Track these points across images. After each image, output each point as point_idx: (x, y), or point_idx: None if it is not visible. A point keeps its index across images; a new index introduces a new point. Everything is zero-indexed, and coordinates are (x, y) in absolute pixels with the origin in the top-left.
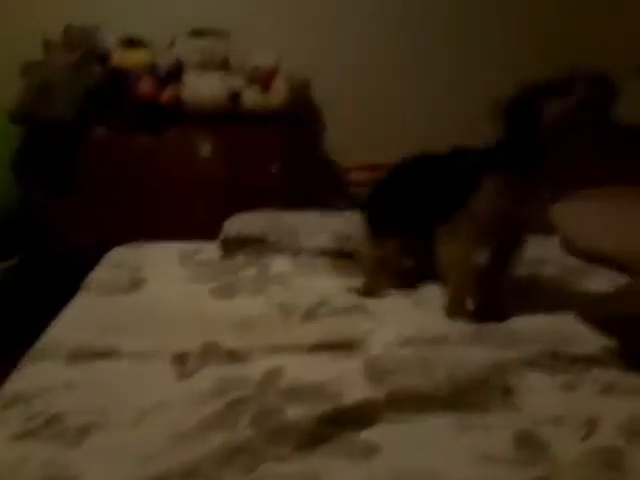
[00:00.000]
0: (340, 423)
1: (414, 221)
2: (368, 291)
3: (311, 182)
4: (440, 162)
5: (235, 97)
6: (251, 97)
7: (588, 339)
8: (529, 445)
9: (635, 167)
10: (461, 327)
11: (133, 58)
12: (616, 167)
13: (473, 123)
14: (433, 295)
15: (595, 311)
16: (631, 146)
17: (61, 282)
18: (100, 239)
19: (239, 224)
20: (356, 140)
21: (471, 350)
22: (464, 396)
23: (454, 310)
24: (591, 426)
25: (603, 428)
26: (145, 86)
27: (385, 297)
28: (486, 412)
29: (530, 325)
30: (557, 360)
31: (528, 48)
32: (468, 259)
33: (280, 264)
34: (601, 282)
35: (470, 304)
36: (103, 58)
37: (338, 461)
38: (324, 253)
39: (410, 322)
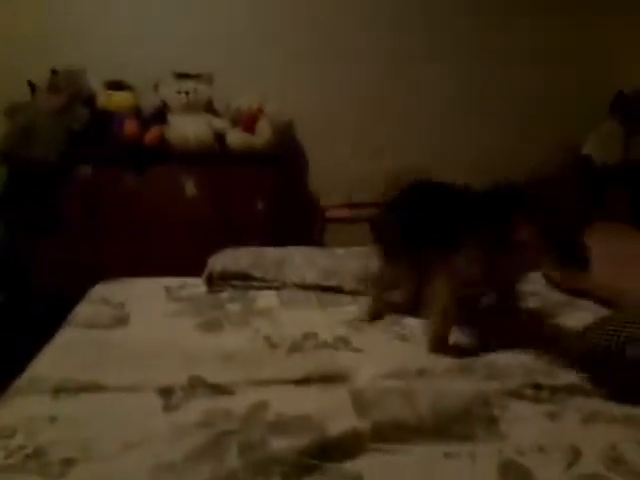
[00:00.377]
0: (325, 454)
1: (420, 249)
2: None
3: (294, 219)
4: (454, 197)
5: (220, 138)
6: (235, 138)
7: (569, 371)
8: (514, 473)
9: (610, 204)
10: (445, 360)
11: (118, 100)
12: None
13: (455, 170)
14: (416, 328)
15: (570, 346)
16: (605, 183)
17: (46, 319)
18: (85, 277)
19: (224, 259)
20: (336, 179)
21: (455, 382)
22: (448, 426)
23: (437, 346)
24: (574, 454)
25: (586, 456)
26: (130, 127)
27: (371, 330)
28: (470, 441)
29: (512, 358)
30: (539, 390)
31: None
32: (450, 302)
33: (265, 299)
34: (584, 315)
35: (451, 340)
36: (89, 100)
37: None
38: (309, 287)
39: (394, 355)
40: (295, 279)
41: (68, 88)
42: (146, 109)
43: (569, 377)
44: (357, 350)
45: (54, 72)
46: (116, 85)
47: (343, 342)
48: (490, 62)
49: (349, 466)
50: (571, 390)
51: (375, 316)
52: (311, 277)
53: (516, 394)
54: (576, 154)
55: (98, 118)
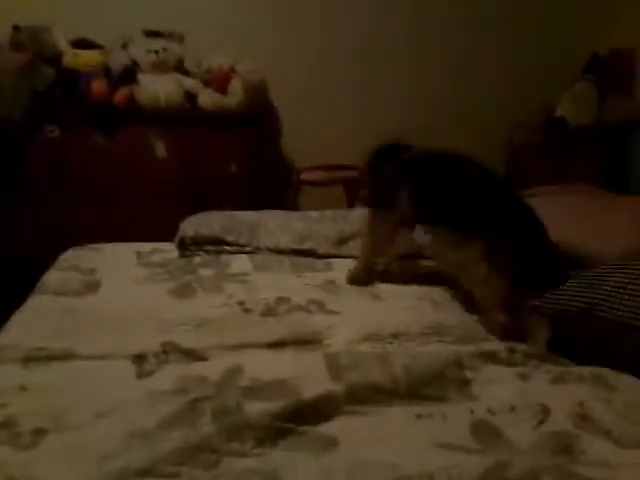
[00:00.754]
0: (300, 418)
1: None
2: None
3: (268, 182)
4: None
5: (191, 98)
6: (207, 98)
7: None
8: (485, 432)
9: (584, 164)
10: (419, 323)
11: (85, 59)
12: (566, 164)
13: (426, 126)
14: (391, 291)
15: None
16: (579, 144)
17: (14, 285)
18: (53, 241)
19: (197, 224)
20: (310, 141)
21: (429, 345)
22: (422, 389)
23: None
24: (544, 413)
25: (555, 414)
26: (98, 87)
27: (346, 292)
28: (443, 403)
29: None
30: (513, 354)
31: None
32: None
33: (239, 263)
34: None
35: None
36: (54, 59)
37: (298, 455)
38: (283, 252)
39: (369, 317)
40: (269, 243)
41: (32, 45)
42: (115, 68)
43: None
44: (331, 312)
45: (16, 28)
46: (83, 43)
47: (317, 305)
48: (466, 29)
49: (324, 429)
50: (544, 354)
51: (358, 282)
52: (285, 241)
53: (489, 357)
54: (550, 116)
55: (64, 77)
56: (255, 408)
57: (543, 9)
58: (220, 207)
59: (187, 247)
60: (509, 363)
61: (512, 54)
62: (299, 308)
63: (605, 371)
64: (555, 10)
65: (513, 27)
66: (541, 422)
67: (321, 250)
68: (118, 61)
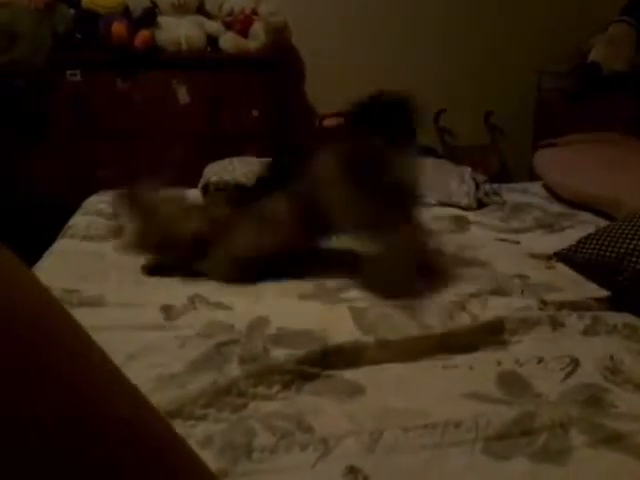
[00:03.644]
0: (326, 363)
1: None
2: None
3: (290, 128)
4: None
5: (212, 41)
6: (229, 41)
7: (573, 288)
8: (512, 384)
9: (618, 112)
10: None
11: (105, 0)
12: (598, 112)
13: (452, 81)
14: None
15: None
16: (613, 91)
17: (39, 228)
18: (75, 185)
19: (220, 170)
20: (333, 87)
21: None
22: (452, 339)
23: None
24: (573, 365)
25: (584, 366)
26: (118, 29)
27: None
28: (470, 354)
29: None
30: (545, 305)
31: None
32: None
33: None
34: (584, 227)
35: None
36: (73, 0)
37: (324, 400)
38: None
39: None
40: None
41: None
42: (135, 10)
43: (573, 294)
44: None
45: None
46: None
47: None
48: None
49: (350, 375)
50: (574, 305)
51: None
52: None
53: (521, 309)
54: (582, 61)
55: (84, 19)
56: (281, 354)
57: None
58: (241, 152)
59: (211, 193)
60: (540, 315)
61: None
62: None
63: (637, 321)
64: None
65: None
66: (570, 374)
67: None
68: (138, 2)
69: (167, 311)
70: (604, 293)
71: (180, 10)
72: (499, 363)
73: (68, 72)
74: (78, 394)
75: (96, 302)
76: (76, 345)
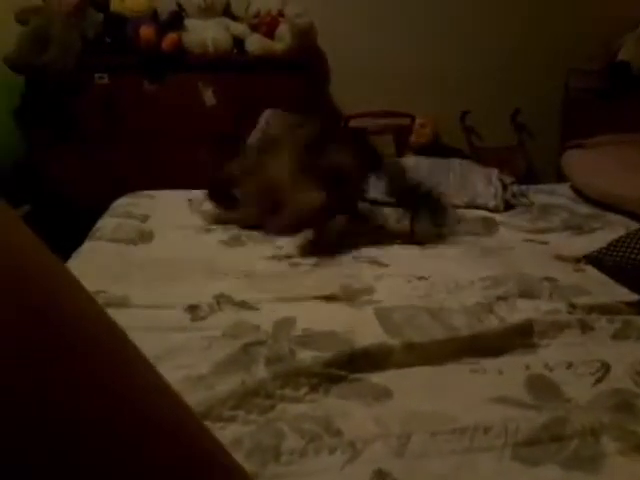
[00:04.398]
0: (353, 366)
1: None
2: None
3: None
4: None
5: (239, 43)
6: (255, 43)
7: (603, 291)
8: (542, 389)
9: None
10: (473, 274)
11: (132, 4)
12: (628, 112)
13: (479, 81)
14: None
15: None
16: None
17: (68, 229)
18: (104, 187)
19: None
20: (359, 87)
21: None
22: (480, 342)
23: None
24: (603, 370)
25: (614, 372)
26: (146, 33)
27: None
28: (498, 357)
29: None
30: (574, 309)
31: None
32: None
33: None
34: (613, 228)
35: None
36: (102, 4)
37: (351, 403)
38: None
39: (421, 266)
40: None
41: None
42: (162, 13)
43: (602, 297)
44: (380, 264)
45: None
46: None
47: (366, 256)
48: None
49: (377, 378)
50: (604, 308)
51: None
52: None
53: (549, 312)
54: (611, 60)
55: (112, 23)
56: (308, 355)
57: None
58: None
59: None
60: (569, 319)
61: None
62: (348, 259)
63: None
64: None
65: None
66: (600, 379)
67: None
68: (165, 6)
69: (192, 311)
70: (635, 297)
71: (207, 13)
72: (528, 367)
73: (96, 75)
74: (118, 394)
75: (121, 303)
76: (112, 342)
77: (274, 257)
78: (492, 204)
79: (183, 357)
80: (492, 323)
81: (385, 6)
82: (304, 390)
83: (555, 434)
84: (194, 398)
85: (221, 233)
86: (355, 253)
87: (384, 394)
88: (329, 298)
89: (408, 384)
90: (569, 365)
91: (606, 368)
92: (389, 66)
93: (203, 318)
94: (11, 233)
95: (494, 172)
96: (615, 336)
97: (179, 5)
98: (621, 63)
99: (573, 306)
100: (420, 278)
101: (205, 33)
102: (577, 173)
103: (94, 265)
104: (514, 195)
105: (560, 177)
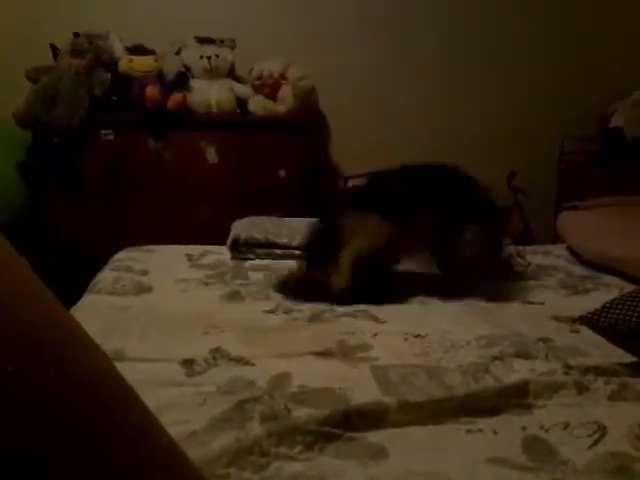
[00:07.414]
0: (348, 424)
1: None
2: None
3: (316, 188)
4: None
5: (242, 104)
6: (258, 104)
7: (599, 352)
8: (538, 450)
9: (637, 177)
10: (470, 333)
11: (140, 65)
12: (621, 177)
13: (476, 143)
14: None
15: None
16: (636, 156)
17: (68, 283)
18: (106, 242)
19: (248, 226)
20: (358, 148)
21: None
22: (475, 402)
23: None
24: (600, 432)
25: (612, 434)
26: (152, 92)
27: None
28: (494, 417)
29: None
30: (570, 369)
31: (524, 68)
32: None
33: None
34: (608, 290)
35: None
36: (110, 65)
37: (346, 462)
38: None
39: (417, 323)
40: None
41: (90, 52)
42: (168, 74)
43: (598, 358)
44: (377, 320)
45: (76, 35)
46: (138, 49)
47: (363, 311)
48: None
49: (373, 437)
50: (600, 370)
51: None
52: None
53: (545, 373)
54: (605, 126)
55: (120, 83)
56: (303, 413)
57: (598, 14)
58: (268, 212)
59: (239, 249)
60: (565, 379)
61: (566, 61)
62: (345, 314)
63: None
64: (611, 15)
65: (567, 33)
66: (597, 442)
67: None
68: (171, 67)
69: (188, 366)
70: (630, 359)
71: (212, 74)
72: (524, 428)
73: (102, 132)
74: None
75: (116, 356)
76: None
77: (271, 311)
78: None
79: (177, 413)
80: (488, 383)
81: (386, 71)
82: (299, 448)
83: None
84: (187, 455)
85: (220, 288)
86: (354, 307)
87: (380, 454)
88: (325, 354)
89: (404, 443)
90: (565, 426)
91: (603, 430)
92: (389, 129)
93: (199, 373)
94: (26, 283)
95: None
96: (611, 397)
97: (185, 66)
98: (615, 129)
99: (569, 367)
100: (417, 336)
101: (210, 93)
102: (572, 234)
103: (91, 318)
104: (511, 255)
105: (556, 238)
